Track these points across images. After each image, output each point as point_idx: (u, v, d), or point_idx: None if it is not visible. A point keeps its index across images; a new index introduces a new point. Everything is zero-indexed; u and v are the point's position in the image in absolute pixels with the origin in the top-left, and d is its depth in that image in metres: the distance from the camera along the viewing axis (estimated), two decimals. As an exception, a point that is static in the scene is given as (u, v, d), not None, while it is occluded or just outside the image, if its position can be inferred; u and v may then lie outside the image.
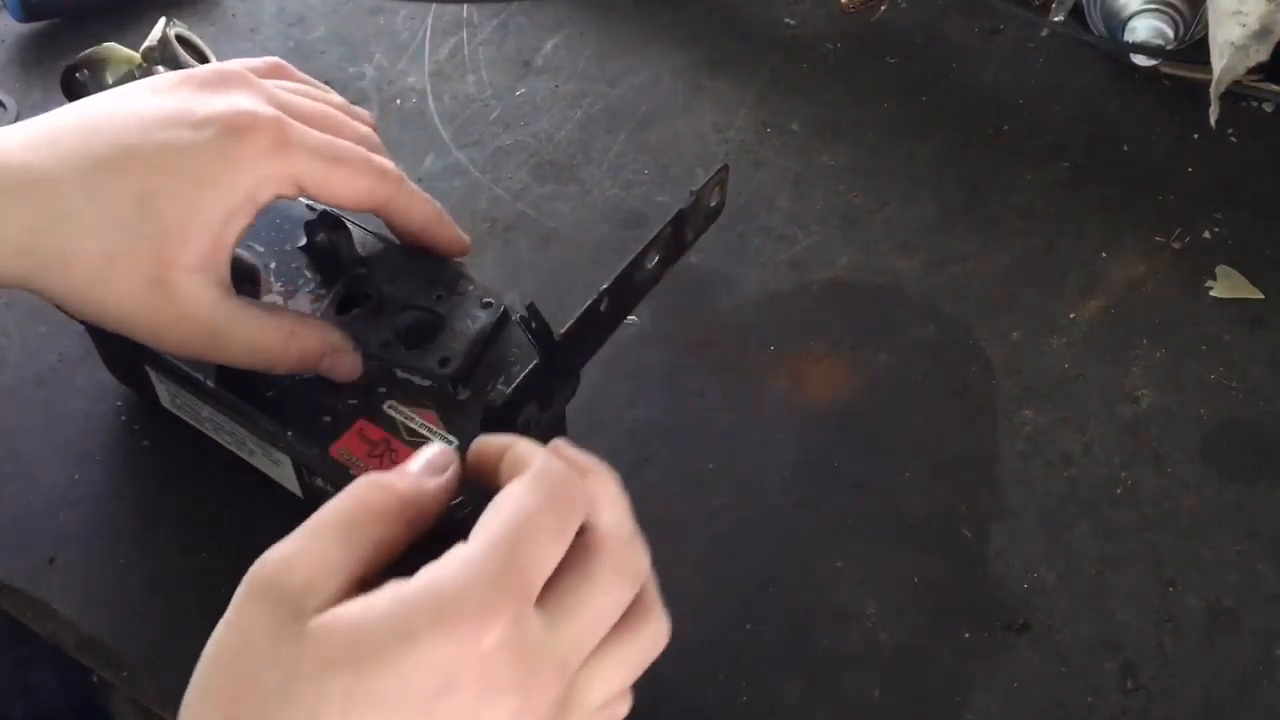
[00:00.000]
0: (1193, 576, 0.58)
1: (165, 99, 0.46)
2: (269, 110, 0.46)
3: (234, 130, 0.44)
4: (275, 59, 0.54)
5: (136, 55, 0.68)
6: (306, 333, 0.50)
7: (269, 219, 0.59)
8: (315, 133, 0.47)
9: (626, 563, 0.39)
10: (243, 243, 0.57)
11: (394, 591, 0.34)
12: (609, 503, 0.40)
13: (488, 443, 0.41)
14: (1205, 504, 0.60)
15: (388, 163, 0.51)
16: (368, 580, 0.36)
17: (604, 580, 0.37)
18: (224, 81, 0.47)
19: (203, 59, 0.71)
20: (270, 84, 0.50)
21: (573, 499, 0.38)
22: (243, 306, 0.48)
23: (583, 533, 0.39)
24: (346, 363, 0.51)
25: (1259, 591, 0.57)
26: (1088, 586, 0.57)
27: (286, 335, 0.49)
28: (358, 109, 0.55)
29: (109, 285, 0.44)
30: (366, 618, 0.33)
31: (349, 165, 0.48)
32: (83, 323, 0.58)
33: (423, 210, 0.52)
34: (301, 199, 0.59)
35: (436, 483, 0.40)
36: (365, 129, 0.53)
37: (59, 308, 0.48)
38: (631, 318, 0.63)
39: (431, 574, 0.35)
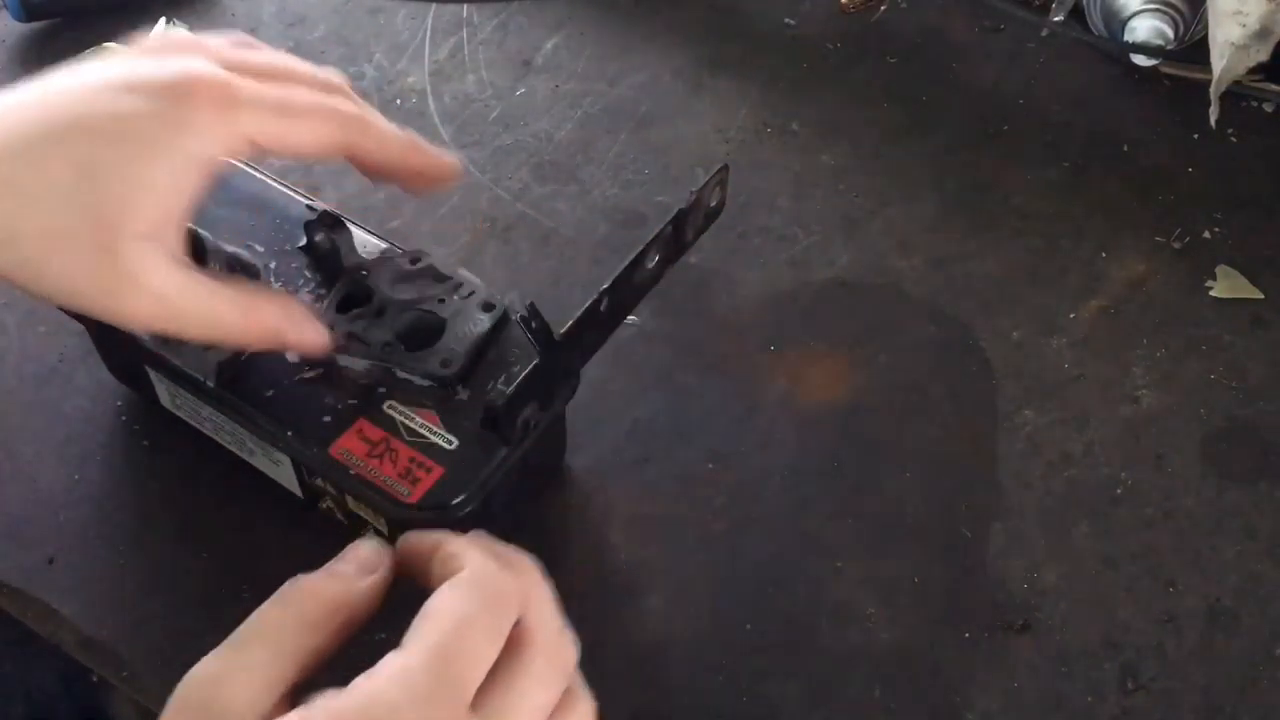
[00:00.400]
0: (1193, 576, 0.58)
1: (112, 68, 0.44)
2: (213, 70, 0.44)
3: (176, 93, 0.42)
4: (239, 33, 0.50)
5: (136, 55, 0.68)
6: (264, 304, 0.48)
7: (269, 219, 0.59)
8: (266, 88, 0.45)
9: (558, 657, 0.39)
10: (243, 242, 0.58)
11: (328, 706, 0.34)
12: (538, 598, 0.39)
13: (418, 539, 0.40)
14: (1205, 504, 0.60)
15: (347, 105, 0.47)
16: (300, 687, 0.35)
17: (537, 677, 0.37)
18: (171, 47, 0.45)
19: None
20: (222, 45, 0.47)
21: (507, 600, 0.37)
22: (196, 277, 0.45)
23: (514, 628, 0.38)
24: (309, 335, 0.49)
25: (1259, 591, 0.57)
26: (1088, 586, 0.57)
27: (243, 307, 0.47)
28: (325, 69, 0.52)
29: (56, 258, 0.42)
30: None
31: (304, 116, 0.45)
32: (82, 322, 0.58)
33: (395, 146, 0.48)
34: (304, 199, 0.60)
35: (368, 583, 0.39)
36: (329, 75, 0.50)
37: (12, 285, 0.45)
38: (631, 318, 0.64)
39: (366, 688, 0.34)
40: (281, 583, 0.57)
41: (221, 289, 0.46)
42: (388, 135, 0.48)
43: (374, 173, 0.50)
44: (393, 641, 0.55)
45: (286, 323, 0.48)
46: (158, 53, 0.45)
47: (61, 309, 0.51)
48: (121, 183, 0.41)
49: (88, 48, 0.67)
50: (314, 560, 0.57)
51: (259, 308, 0.48)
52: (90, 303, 0.43)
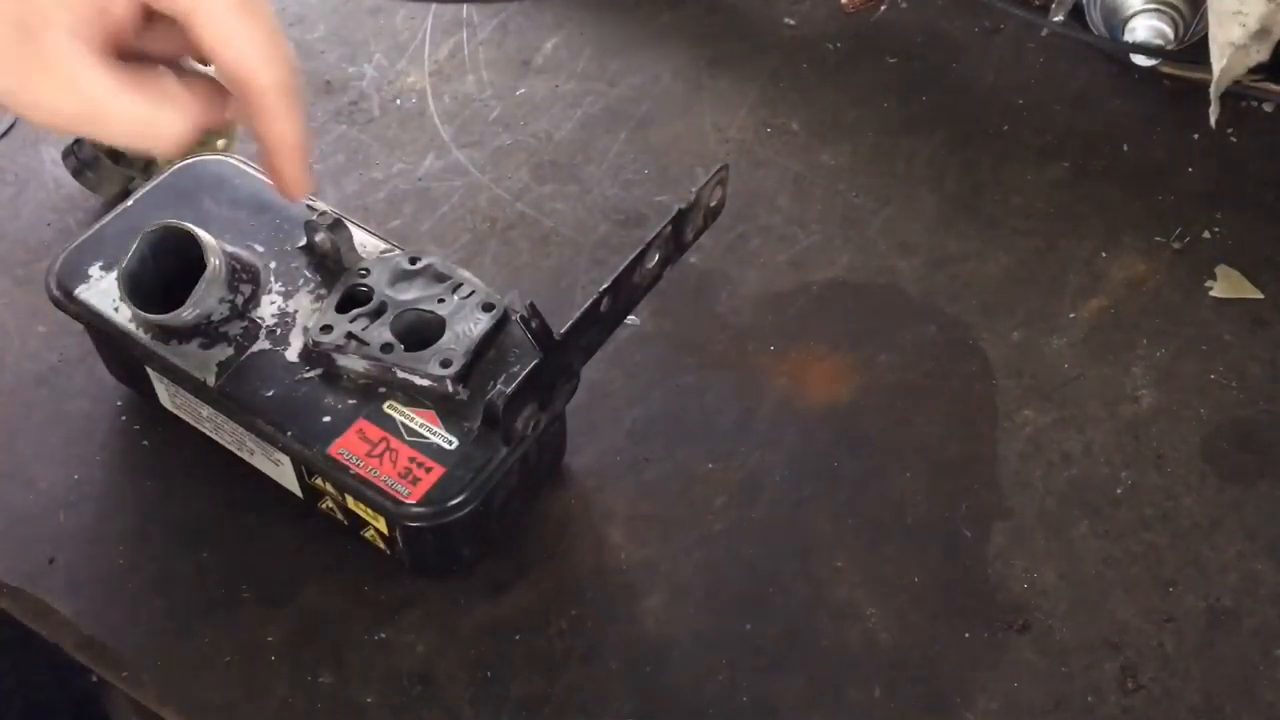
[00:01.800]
0: (1193, 576, 0.58)
1: None
2: None
3: None
4: None
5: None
6: (197, 89, 0.42)
7: (269, 219, 0.59)
8: None
9: None
10: (243, 242, 0.58)
11: None
12: None
13: None
14: (1205, 504, 0.60)
15: (289, 56, 0.42)
16: None
17: None
18: None
19: (201, 60, 0.71)
20: None
21: None
22: (125, 75, 0.40)
23: None
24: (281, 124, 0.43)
25: (1259, 591, 0.57)
26: (1088, 586, 0.57)
27: (172, 96, 0.41)
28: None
29: None
30: None
31: (249, 18, 0.40)
32: (82, 322, 0.58)
33: (282, 130, 0.43)
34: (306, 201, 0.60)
35: None
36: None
37: None
38: (631, 318, 0.64)
39: None
40: (281, 583, 0.57)
41: (153, 80, 0.41)
42: (283, 114, 0.43)
43: (254, 130, 0.44)
44: (392, 641, 0.55)
45: (215, 109, 0.43)
46: None
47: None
48: None
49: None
50: (314, 560, 0.57)
51: (183, 97, 0.42)
52: (11, 94, 0.40)
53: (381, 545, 0.56)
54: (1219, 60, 0.69)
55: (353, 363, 0.53)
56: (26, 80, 0.39)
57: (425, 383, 0.53)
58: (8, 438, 0.61)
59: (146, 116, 0.41)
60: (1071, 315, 0.67)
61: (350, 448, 0.52)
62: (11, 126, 0.74)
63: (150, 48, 0.42)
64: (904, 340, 0.66)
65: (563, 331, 0.49)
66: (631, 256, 0.51)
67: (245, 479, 0.58)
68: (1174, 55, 0.75)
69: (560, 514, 0.59)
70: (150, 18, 0.41)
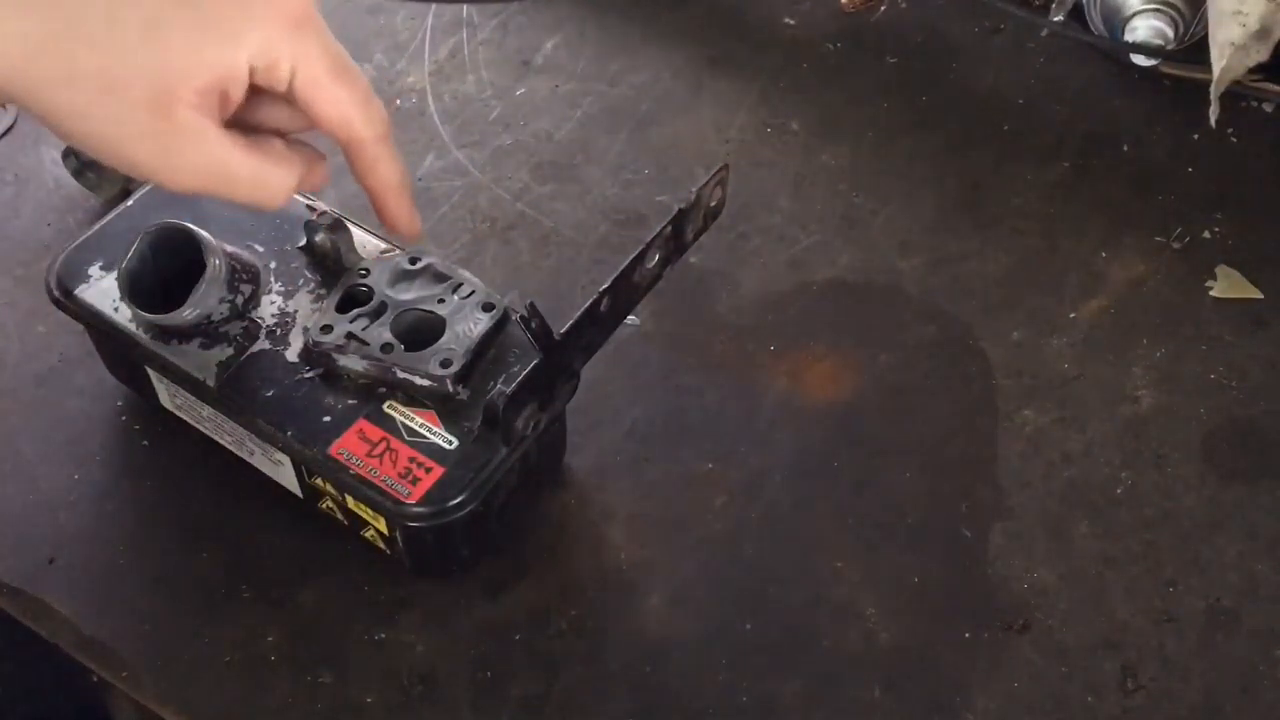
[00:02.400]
0: (1193, 576, 0.58)
1: None
2: None
3: None
4: None
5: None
6: (306, 152, 0.48)
7: (269, 219, 0.59)
8: (334, 40, 0.46)
9: None
10: (243, 242, 0.58)
11: None
12: None
13: None
14: (1205, 504, 0.60)
15: (383, 111, 0.48)
16: None
17: None
18: None
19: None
20: None
21: None
22: (243, 142, 0.46)
23: None
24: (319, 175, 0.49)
25: (1259, 591, 0.57)
26: (1088, 586, 0.57)
27: (292, 159, 0.47)
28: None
29: (110, 108, 0.43)
30: None
31: (349, 85, 0.46)
32: (82, 322, 0.58)
33: (385, 173, 0.49)
34: (301, 198, 0.60)
35: None
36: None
37: (57, 132, 0.45)
38: (631, 318, 0.64)
39: None
40: (281, 583, 0.57)
41: (266, 145, 0.47)
42: (385, 160, 0.48)
43: (360, 182, 0.50)
44: (392, 641, 0.55)
45: (309, 166, 0.48)
46: None
47: (100, 165, 0.50)
48: (184, 47, 0.42)
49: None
50: (314, 560, 0.57)
51: (304, 156, 0.48)
52: (137, 158, 0.44)
53: (381, 545, 0.56)
54: (1219, 60, 0.69)
55: (353, 363, 0.53)
56: (165, 151, 0.44)
57: (425, 383, 0.53)
58: (8, 438, 0.61)
59: (263, 175, 0.46)
60: (1071, 315, 0.67)
61: (350, 448, 0.52)
62: (11, 126, 0.74)
63: (260, 121, 0.47)
64: (904, 340, 0.66)
65: (563, 331, 0.49)
66: (631, 256, 0.51)
67: (245, 479, 0.58)
68: (1174, 55, 0.75)
69: (560, 514, 0.59)
70: (258, 93, 0.45)
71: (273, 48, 0.43)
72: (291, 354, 0.55)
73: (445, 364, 0.52)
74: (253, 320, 0.56)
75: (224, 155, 0.44)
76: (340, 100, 0.45)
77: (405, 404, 0.53)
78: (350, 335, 0.53)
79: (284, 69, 0.44)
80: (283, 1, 0.43)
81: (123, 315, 0.55)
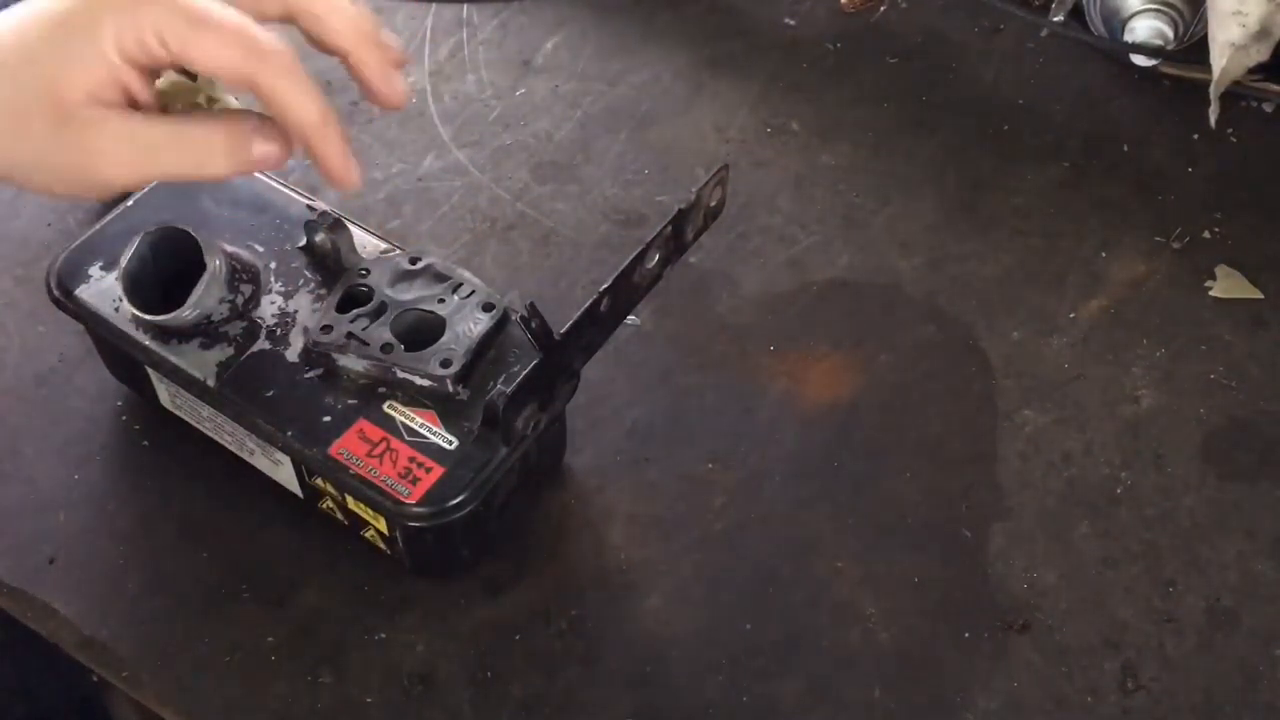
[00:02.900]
0: (1193, 576, 0.58)
1: None
2: None
3: None
4: None
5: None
6: (238, 118, 0.47)
7: (269, 219, 0.59)
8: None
9: None
10: (243, 242, 0.58)
11: None
12: None
13: None
14: (1205, 504, 0.60)
15: (266, 38, 0.45)
16: None
17: None
18: None
19: None
20: None
21: None
22: (156, 117, 0.46)
23: None
24: (269, 149, 0.47)
25: (1259, 591, 0.57)
26: (1088, 586, 0.57)
27: (220, 126, 0.46)
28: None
29: (21, 140, 0.44)
30: None
31: (213, 29, 0.44)
32: (82, 322, 0.58)
33: (294, 113, 0.46)
34: (304, 199, 0.60)
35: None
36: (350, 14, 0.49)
37: (12, 183, 0.47)
38: (631, 318, 0.64)
39: None
40: (281, 583, 0.57)
41: (188, 117, 0.46)
42: (292, 90, 0.46)
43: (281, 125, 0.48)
44: (392, 641, 0.55)
45: (248, 134, 0.46)
46: None
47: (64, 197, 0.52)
48: (52, 61, 0.43)
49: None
50: (314, 560, 0.57)
51: (235, 122, 0.46)
52: (62, 171, 0.45)
53: (381, 545, 0.56)
54: (1219, 60, 0.69)
55: (353, 363, 0.53)
56: (83, 153, 0.44)
57: (425, 383, 0.53)
58: (8, 438, 0.61)
59: (183, 138, 0.45)
60: (1071, 315, 0.67)
61: (350, 448, 0.52)
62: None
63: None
64: (904, 340, 0.66)
65: (563, 331, 0.49)
66: (631, 256, 0.51)
67: (245, 479, 0.58)
68: (1174, 55, 0.75)
69: (560, 514, 0.59)
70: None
71: (128, 27, 0.43)
72: (291, 354, 0.55)
73: (445, 364, 0.52)
74: (253, 320, 0.56)
75: (135, 133, 0.44)
76: (207, 47, 0.44)
77: (405, 404, 0.53)
78: (350, 335, 0.53)
79: (152, 41, 0.43)
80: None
81: (123, 315, 0.55)
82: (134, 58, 0.44)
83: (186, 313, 0.54)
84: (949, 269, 0.69)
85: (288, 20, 0.48)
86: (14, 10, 0.45)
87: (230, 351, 0.55)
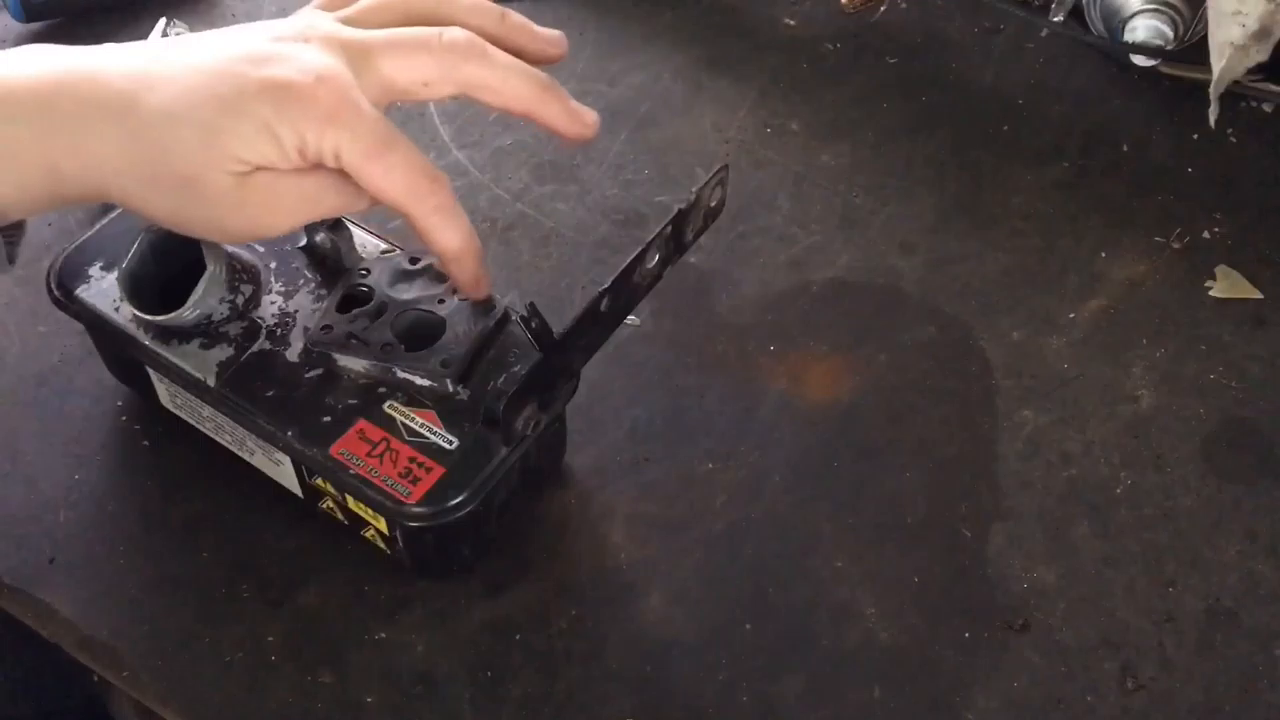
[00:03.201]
0: (1193, 576, 0.58)
1: (246, 41, 0.48)
2: (310, 78, 0.47)
3: (276, 92, 0.46)
4: None
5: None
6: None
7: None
8: (369, 112, 0.47)
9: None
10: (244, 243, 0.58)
11: None
12: None
13: None
14: (1205, 504, 0.60)
15: (436, 182, 0.48)
16: None
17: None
18: (301, 34, 0.49)
19: None
20: (356, 17, 0.50)
21: None
22: (313, 170, 0.48)
23: None
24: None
25: (1259, 591, 0.57)
26: (1088, 586, 0.57)
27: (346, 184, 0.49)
28: (542, 31, 0.52)
29: (191, 199, 0.47)
30: None
31: (386, 166, 0.47)
32: (82, 322, 0.58)
33: (441, 243, 0.49)
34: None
35: None
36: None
37: (158, 222, 0.50)
38: (631, 318, 0.64)
39: None
40: (281, 583, 0.57)
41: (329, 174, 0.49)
42: (446, 228, 0.49)
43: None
44: (392, 641, 0.55)
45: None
46: (289, 39, 0.48)
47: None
48: (235, 146, 0.46)
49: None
50: (314, 560, 0.58)
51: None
52: (243, 230, 0.49)
53: (381, 545, 0.56)
54: (1219, 60, 0.69)
55: (353, 363, 0.53)
56: (254, 212, 0.48)
57: (425, 383, 0.53)
58: (8, 438, 0.61)
59: (327, 184, 0.48)
60: (1071, 315, 0.67)
61: (350, 448, 0.52)
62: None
63: None
64: (904, 340, 0.66)
65: (563, 331, 0.49)
66: (631, 256, 0.51)
67: (245, 479, 0.58)
68: (1174, 55, 0.75)
69: (560, 514, 0.59)
70: None
71: (310, 141, 0.46)
72: (292, 354, 0.55)
73: (445, 364, 0.52)
74: (253, 320, 0.56)
75: (301, 187, 0.48)
76: (377, 179, 0.47)
77: (405, 404, 0.53)
78: (350, 335, 0.53)
79: (328, 156, 0.46)
80: (315, 102, 0.46)
81: (123, 315, 0.55)
82: (309, 159, 0.47)
83: (187, 313, 0.54)
84: (948, 269, 0.69)
85: (464, 97, 0.50)
86: (195, 81, 0.47)
87: (230, 351, 0.55)
